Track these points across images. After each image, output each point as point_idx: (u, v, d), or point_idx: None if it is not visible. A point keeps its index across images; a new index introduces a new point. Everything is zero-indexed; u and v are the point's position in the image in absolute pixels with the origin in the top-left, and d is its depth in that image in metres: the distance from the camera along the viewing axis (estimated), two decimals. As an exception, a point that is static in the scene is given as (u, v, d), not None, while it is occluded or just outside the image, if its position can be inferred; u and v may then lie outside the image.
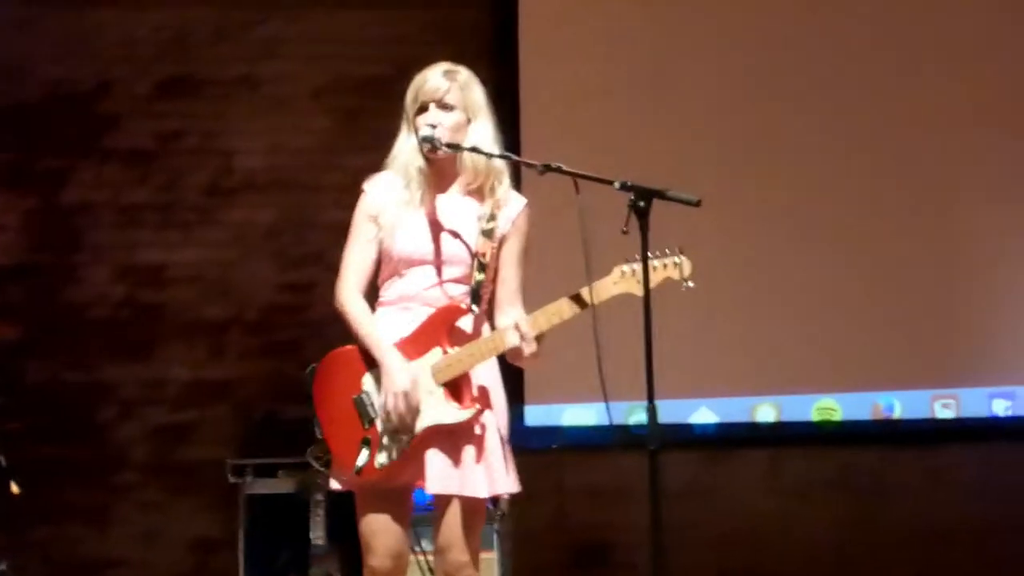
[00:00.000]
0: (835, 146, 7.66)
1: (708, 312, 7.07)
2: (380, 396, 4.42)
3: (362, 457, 4.41)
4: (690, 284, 4.35)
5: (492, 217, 4.57)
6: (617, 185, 4.21)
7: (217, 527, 7.47)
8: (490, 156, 4.54)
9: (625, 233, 4.17)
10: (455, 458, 4.42)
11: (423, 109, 4.54)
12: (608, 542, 7.58)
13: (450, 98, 4.54)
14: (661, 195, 4.18)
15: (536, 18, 7.64)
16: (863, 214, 7.62)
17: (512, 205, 4.65)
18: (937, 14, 7.73)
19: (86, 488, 7.62)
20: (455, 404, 4.42)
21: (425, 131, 4.50)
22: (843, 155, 7.65)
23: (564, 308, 4.42)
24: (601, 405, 7.21)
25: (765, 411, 7.63)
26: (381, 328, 4.50)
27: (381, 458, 4.41)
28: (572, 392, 7.19)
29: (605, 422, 7.38)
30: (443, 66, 4.63)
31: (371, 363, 4.46)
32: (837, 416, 7.61)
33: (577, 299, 4.41)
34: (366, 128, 7.51)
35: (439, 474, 4.41)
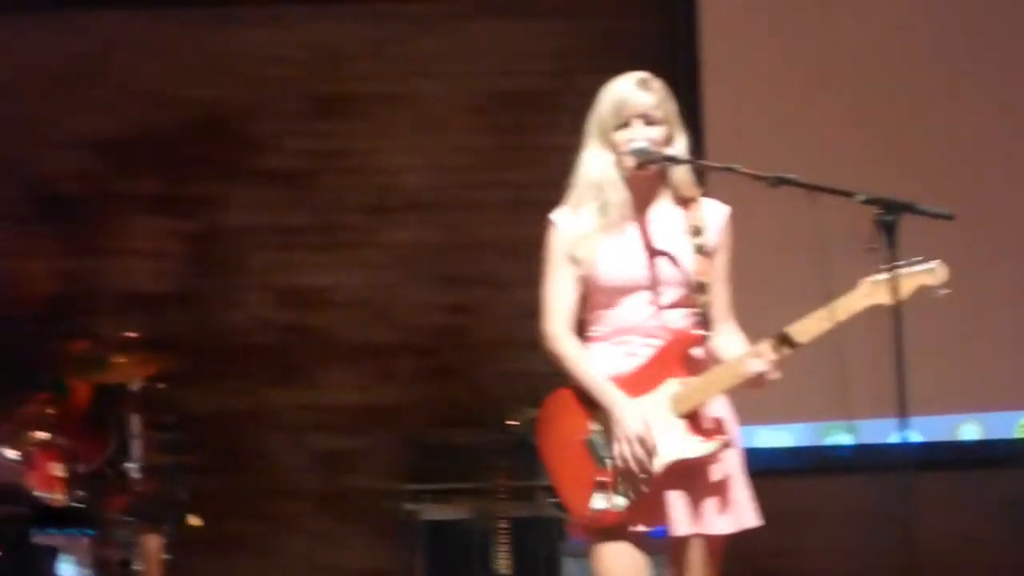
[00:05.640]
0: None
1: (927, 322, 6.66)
2: (613, 441, 4.17)
3: (599, 501, 4.16)
4: (944, 290, 4.06)
5: (698, 231, 4.32)
6: (861, 198, 3.91)
7: (386, 557, 7.29)
8: (717, 169, 4.28)
9: (874, 250, 3.87)
10: (699, 495, 4.16)
11: (625, 125, 4.28)
12: (792, 570, 7.32)
13: (657, 112, 4.29)
14: (911, 209, 3.87)
15: (717, 24, 7.36)
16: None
17: (715, 214, 4.38)
18: None
19: (253, 518, 7.49)
20: (697, 437, 4.17)
21: (636, 145, 4.24)
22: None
23: (811, 327, 4.13)
24: (794, 426, 7.22)
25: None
26: (598, 366, 4.25)
27: (619, 500, 4.16)
28: (766, 413, 6.90)
29: (798, 444, 7.25)
30: (638, 76, 4.36)
31: (595, 403, 4.22)
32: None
33: (823, 316, 4.11)
34: (527, 143, 7.33)
35: (684, 514, 4.15)
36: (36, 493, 5.89)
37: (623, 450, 4.10)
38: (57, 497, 5.89)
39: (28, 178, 7.66)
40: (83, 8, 7.62)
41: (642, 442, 4.09)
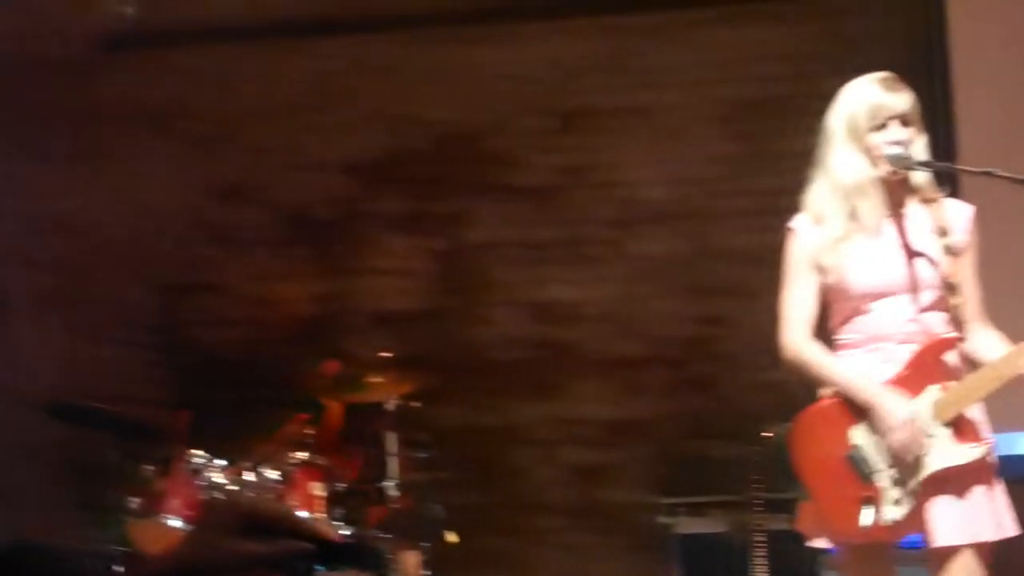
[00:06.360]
0: None
1: None
2: (877, 443, 4.08)
3: (867, 515, 4.08)
4: None
5: (944, 231, 4.21)
6: None
7: (641, 571, 7.26)
8: (975, 174, 4.18)
9: None
10: (962, 503, 4.06)
11: (880, 127, 4.19)
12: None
13: (912, 113, 4.21)
14: None
15: (966, 21, 7.16)
16: None
17: (959, 213, 4.27)
18: None
19: (507, 533, 7.51)
20: (963, 443, 4.06)
21: (894, 150, 4.16)
22: None
23: None
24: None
25: None
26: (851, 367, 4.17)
27: (891, 514, 4.08)
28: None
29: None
30: (883, 76, 4.28)
31: (857, 414, 4.13)
32: None
33: None
34: (771, 150, 7.20)
35: (947, 524, 4.05)
36: (315, 526, 5.98)
37: (894, 440, 4.01)
38: (317, 516, 5.99)
39: (279, 202, 7.83)
40: (325, 33, 7.75)
41: (912, 427, 4.00)
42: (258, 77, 7.77)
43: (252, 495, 5.85)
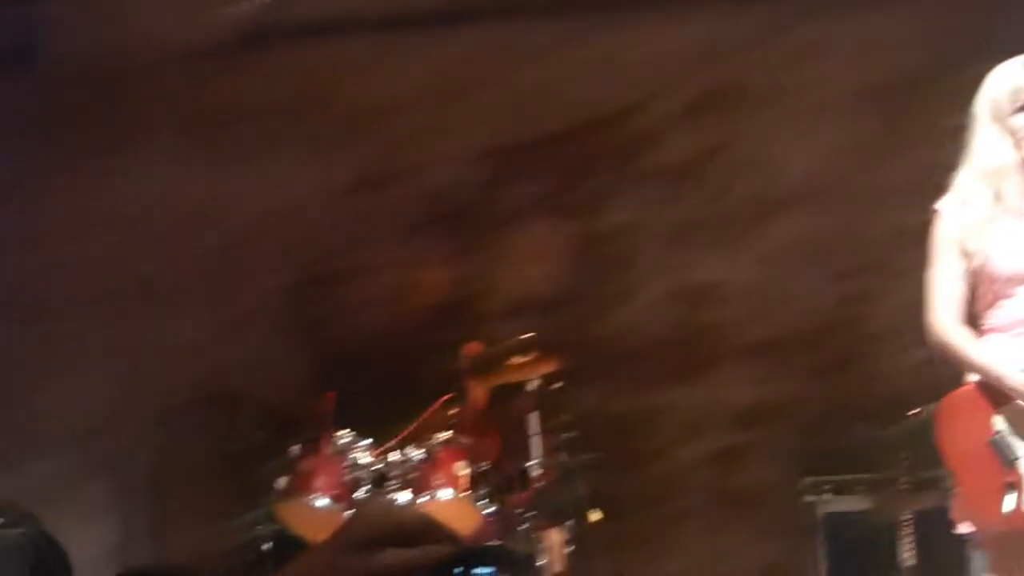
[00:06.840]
0: None
1: None
2: (1020, 429, 4.03)
3: (1010, 502, 4.04)
4: None
5: None
6: None
7: (786, 550, 7.22)
8: None
9: None
10: None
11: (1022, 109, 4.15)
12: None
13: None
14: None
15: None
16: None
17: None
18: None
19: (650, 513, 7.51)
20: None
21: None
22: None
23: None
24: None
25: None
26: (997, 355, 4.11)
27: None
28: None
29: None
30: None
31: (1001, 399, 4.08)
32: None
33: None
34: (915, 128, 7.15)
35: None
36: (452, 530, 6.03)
37: None
38: (462, 496, 6.03)
39: (419, 189, 7.86)
40: (464, 19, 7.78)
41: None
42: (397, 65, 7.81)
43: (389, 505, 5.89)
